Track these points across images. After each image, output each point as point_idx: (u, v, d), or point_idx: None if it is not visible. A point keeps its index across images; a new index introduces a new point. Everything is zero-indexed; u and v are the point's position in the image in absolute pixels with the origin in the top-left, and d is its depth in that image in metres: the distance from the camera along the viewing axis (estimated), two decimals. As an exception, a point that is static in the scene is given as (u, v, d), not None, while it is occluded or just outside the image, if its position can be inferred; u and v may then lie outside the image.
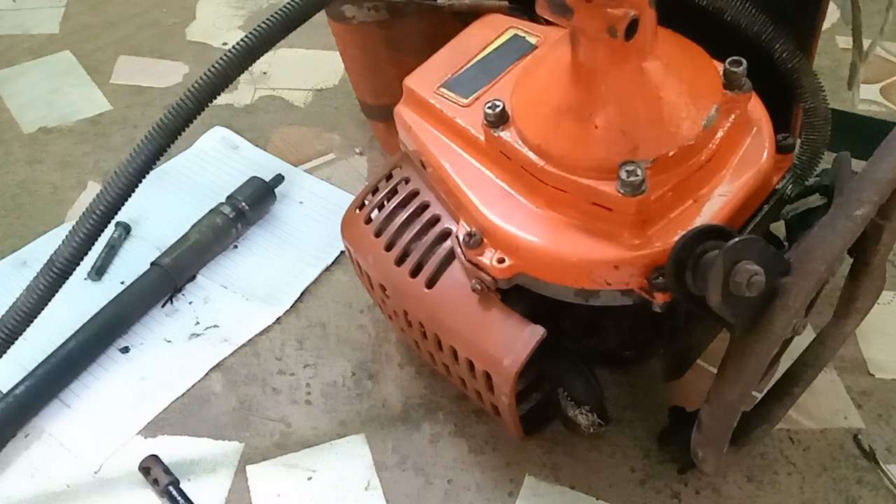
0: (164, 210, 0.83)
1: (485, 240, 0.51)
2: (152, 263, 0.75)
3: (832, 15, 0.66)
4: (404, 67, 0.59)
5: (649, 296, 0.47)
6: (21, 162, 0.90)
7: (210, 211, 0.79)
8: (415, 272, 0.55)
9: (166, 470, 0.62)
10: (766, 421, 0.56)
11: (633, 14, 0.40)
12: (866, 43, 0.63)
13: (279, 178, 0.83)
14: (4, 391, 0.66)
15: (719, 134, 0.49)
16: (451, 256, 0.54)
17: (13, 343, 0.56)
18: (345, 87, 0.97)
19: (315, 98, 0.97)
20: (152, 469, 0.62)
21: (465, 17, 0.62)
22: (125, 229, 0.81)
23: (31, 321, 0.55)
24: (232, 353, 0.71)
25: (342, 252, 0.78)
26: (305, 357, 0.71)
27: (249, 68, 0.53)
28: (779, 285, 0.42)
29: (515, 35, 0.58)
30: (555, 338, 0.52)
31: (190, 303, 0.75)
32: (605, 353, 0.61)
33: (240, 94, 0.97)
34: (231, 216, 0.78)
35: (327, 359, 0.70)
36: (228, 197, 0.80)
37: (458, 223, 0.53)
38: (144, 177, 0.53)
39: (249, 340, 0.72)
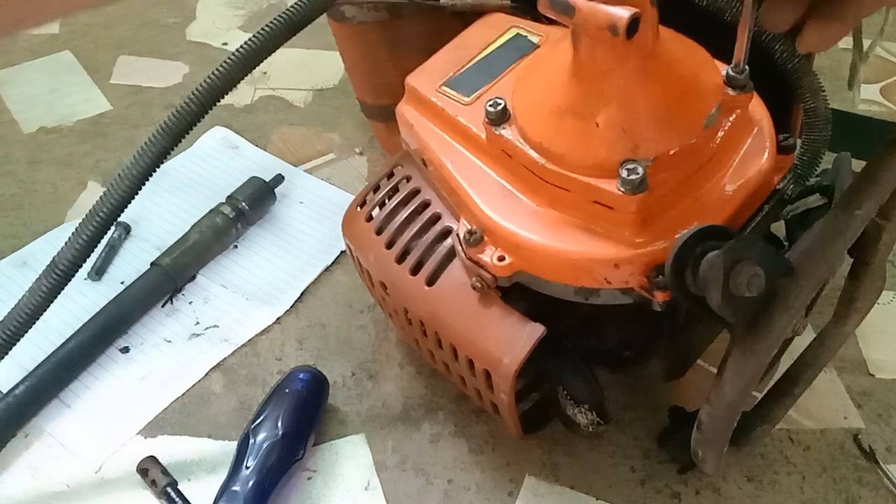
0: (164, 210, 0.83)
1: (485, 238, 0.51)
2: (152, 263, 0.75)
3: (832, 15, 0.66)
4: (404, 67, 0.59)
5: (649, 294, 0.47)
6: (21, 162, 0.90)
7: (210, 211, 0.79)
8: (415, 270, 0.55)
9: (164, 471, 0.62)
10: (766, 421, 0.56)
11: (635, 12, 0.40)
12: (866, 43, 0.63)
13: (279, 178, 0.84)
14: (4, 391, 0.66)
15: (720, 133, 0.49)
16: (451, 254, 0.54)
17: (15, 344, 0.56)
18: (345, 87, 0.97)
19: (315, 98, 0.97)
20: (150, 470, 0.62)
21: (467, 17, 0.62)
22: (125, 229, 0.81)
23: (34, 323, 0.55)
24: (232, 353, 0.71)
25: (342, 252, 0.78)
26: (305, 357, 0.71)
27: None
28: (779, 285, 0.42)
29: (517, 34, 0.59)
30: (554, 337, 0.52)
31: (190, 303, 0.75)
32: (605, 353, 0.61)
33: (240, 94, 0.97)
34: (231, 216, 0.78)
35: (327, 359, 0.70)
36: (228, 197, 0.80)
37: (458, 221, 0.53)
38: (148, 180, 0.53)
39: (249, 340, 0.72)
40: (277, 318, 0.74)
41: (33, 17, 1.02)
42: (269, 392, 0.64)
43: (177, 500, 0.60)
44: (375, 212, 0.60)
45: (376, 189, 0.61)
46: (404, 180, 0.60)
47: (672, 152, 0.46)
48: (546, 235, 0.48)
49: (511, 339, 0.51)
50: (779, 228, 0.60)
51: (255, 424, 0.60)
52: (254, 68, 0.51)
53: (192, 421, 0.67)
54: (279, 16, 0.51)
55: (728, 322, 0.43)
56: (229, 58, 0.50)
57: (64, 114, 0.96)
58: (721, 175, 0.49)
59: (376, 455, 0.64)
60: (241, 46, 0.50)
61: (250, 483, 0.57)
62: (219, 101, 0.51)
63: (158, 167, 0.52)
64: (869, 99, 0.92)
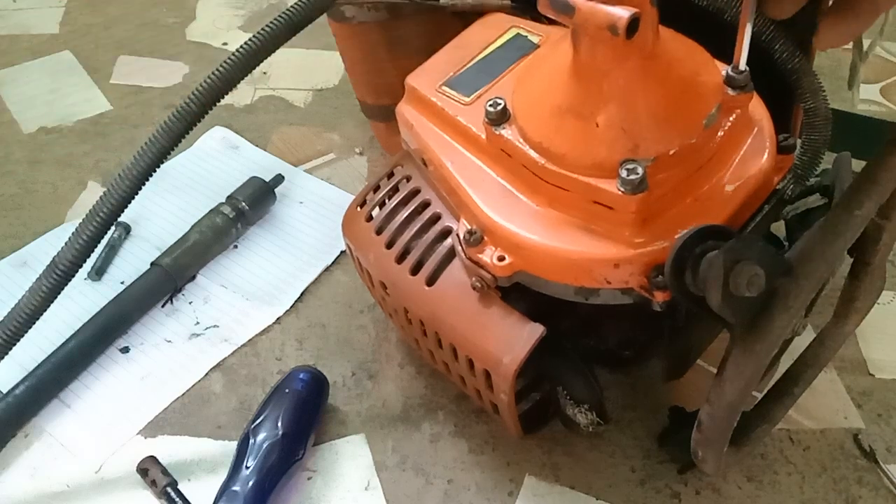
0: (164, 210, 0.83)
1: (485, 238, 0.51)
2: (152, 263, 0.75)
3: (832, 15, 0.66)
4: (404, 67, 0.59)
5: (649, 294, 0.47)
6: (21, 162, 0.90)
7: (210, 211, 0.79)
8: (415, 270, 0.55)
9: (164, 471, 0.62)
10: (766, 421, 0.56)
11: (635, 12, 0.40)
12: (866, 43, 0.63)
13: (279, 178, 0.84)
14: (4, 391, 0.66)
15: (720, 133, 0.49)
16: (451, 254, 0.54)
17: (15, 344, 0.56)
18: (345, 87, 0.97)
19: (315, 98, 0.97)
20: (150, 470, 0.62)
21: (466, 17, 0.62)
22: (125, 229, 0.81)
23: (34, 323, 0.56)
24: (232, 353, 0.71)
25: (342, 252, 0.78)
26: (305, 357, 0.71)
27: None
28: (779, 285, 0.42)
29: (517, 34, 0.59)
30: (554, 337, 0.52)
31: (190, 303, 0.75)
32: (605, 353, 0.61)
33: (240, 94, 0.97)
34: (231, 216, 0.78)
35: (327, 359, 0.70)
36: (228, 197, 0.80)
37: (458, 221, 0.53)
38: (148, 180, 0.53)
39: (249, 340, 0.72)
40: (277, 318, 0.74)
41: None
42: (269, 392, 0.64)
43: (177, 500, 0.60)
44: (375, 212, 0.60)
45: (376, 189, 0.61)
46: (404, 180, 0.60)
47: (672, 152, 0.46)
48: (546, 235, 0.48)
49: (511, 339, 0.51)
50: (779, 228, 0.60)
51: (255, 424, 0.60)
52: (254, 68, 0.51)
53: (192, 421, 0.67)
54: (279, 16, 0.51)
55: (728, 322, 0.43)
56: (229, 58, 0.50)
57: (64, 114, 0.96)
58: (721, 175, 0.49)
59: (376, 455, 0.64)
60: (241, 46, 0.50)
61: (250, 483, 0.57)
62: (219, 101, 0.51)
63: (158, 167, 0.52)
64: (869, 99, 0.92)
